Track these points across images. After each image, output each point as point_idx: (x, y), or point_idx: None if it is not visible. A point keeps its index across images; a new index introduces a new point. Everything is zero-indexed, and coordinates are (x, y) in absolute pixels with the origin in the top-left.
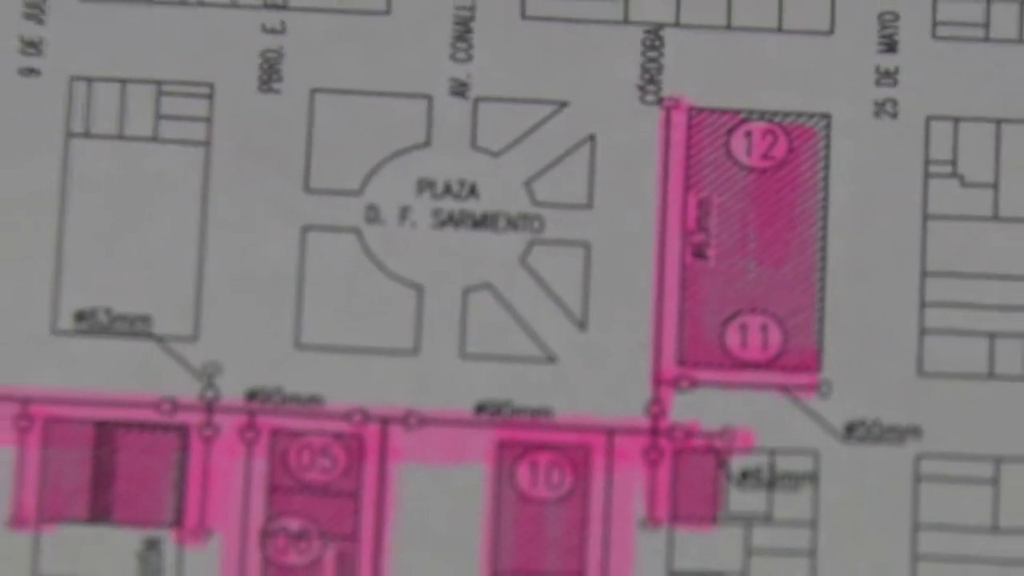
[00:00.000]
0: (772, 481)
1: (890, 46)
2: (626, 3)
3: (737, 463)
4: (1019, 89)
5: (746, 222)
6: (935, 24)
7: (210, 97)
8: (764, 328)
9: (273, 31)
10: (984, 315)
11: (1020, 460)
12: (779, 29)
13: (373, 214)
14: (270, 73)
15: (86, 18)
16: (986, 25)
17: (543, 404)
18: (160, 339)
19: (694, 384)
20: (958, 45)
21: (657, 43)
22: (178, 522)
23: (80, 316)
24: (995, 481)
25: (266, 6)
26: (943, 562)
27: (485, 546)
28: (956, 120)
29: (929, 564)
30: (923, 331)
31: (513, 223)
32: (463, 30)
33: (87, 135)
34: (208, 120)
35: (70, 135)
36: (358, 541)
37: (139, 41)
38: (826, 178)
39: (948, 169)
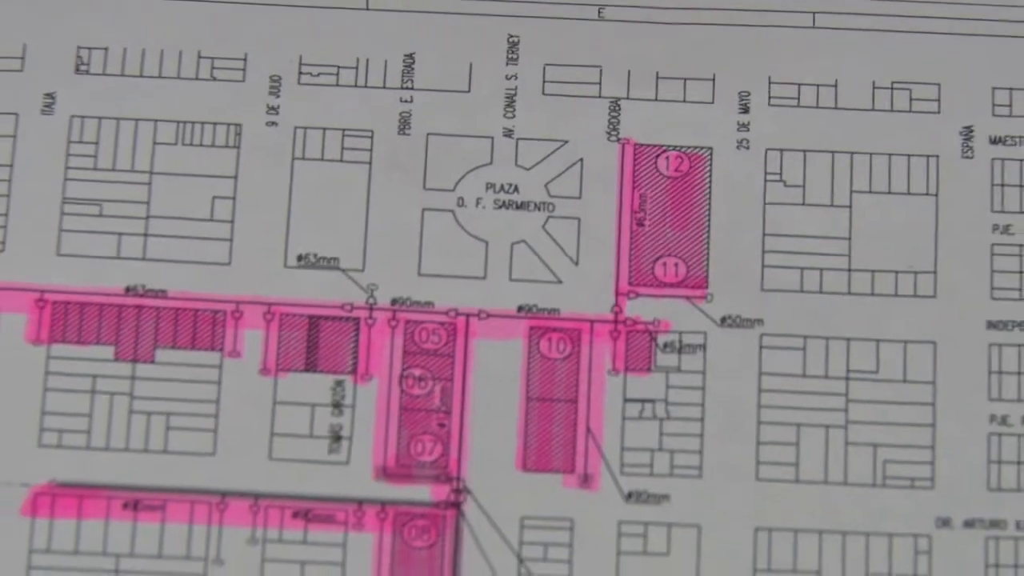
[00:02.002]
0: (680, 348)
1: (745, 109)
2: (600, 86)
3: (661, 338)
4: (817, 132)
5: (666, 206)
6: (770, 98)
7: (371, 137)
8: (676, 265)
9: (406, 101)
10: (797, 257)
11: (820, 337)
12: (684, 101)
13: (461, 202)
14: (404, 125)
15: (302, 93)
16: (798, 98)
17: (554, 306)
18: (344, 271)
19: (638, 295)
20: (783, 109)
21: (617, 108)
22: (354, 370)
23: (300, 257)
24: (804, 348)
25: (402, 87)
26: (775, 392)
27: (523, 384)
28: (781, 151)
29: (769, 394)
30: (764, 266)
31: (538, 207)
32: (510, 101)
33: (304, 159)
34: (370, 150)
35: (294, 158)
36: (452, 381)
37: (333, 107)
38: (710, 182)
39: (777, 177)
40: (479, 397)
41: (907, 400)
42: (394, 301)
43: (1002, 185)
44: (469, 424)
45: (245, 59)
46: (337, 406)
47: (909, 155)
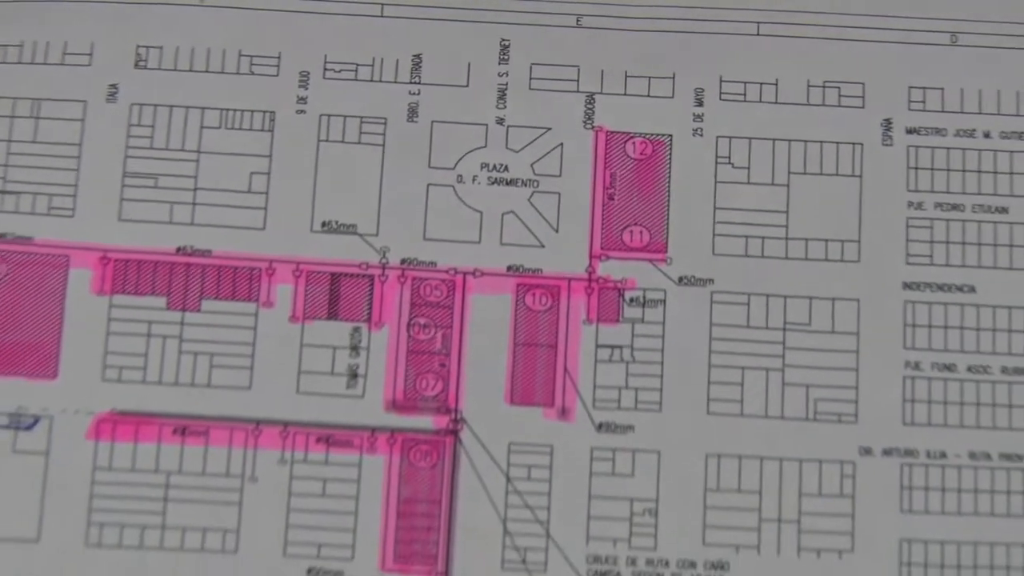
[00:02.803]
0: (644, 303)
1: (700, 103)
2: (578, 82)
3: (628, 294)
4: (760, 122)
5: (632, 183)
6: (720, 94)
7: (384, 124)
8: (641, 232)
9: (414, 93)
10: (743, 227)
11: (762, 295)
12: (648, 95)
13: (460, 178)
14: (412, 114)
15: (326, 86)
16: (744, 94)
17: (538, 266)
18: (361, 235)
19: (608, 258)
20: (732, 103)
21: (592, 101)
22: (369, 319)
23: (323, 224)
24: (748, 304)
25: (410, 82)
26: (723, 341)
27: (511, 331)
28: (730, 138)
29: (718, 342)
30: (715, 234)
31: (525, 183)
32: (502, 94)
33: (327, 141)
34: (383, 135)
35: (319, 141)
36: (452, 328)
37: (352, 98)
38: (670, 164)
39: (726, 159)
40: (474, 342)
41: (835, 348)
42: (403, 261)
43: (916, 168)
44: (465, 365)
45: (279, 57)
46: (354, 349)
47: (838, 143)
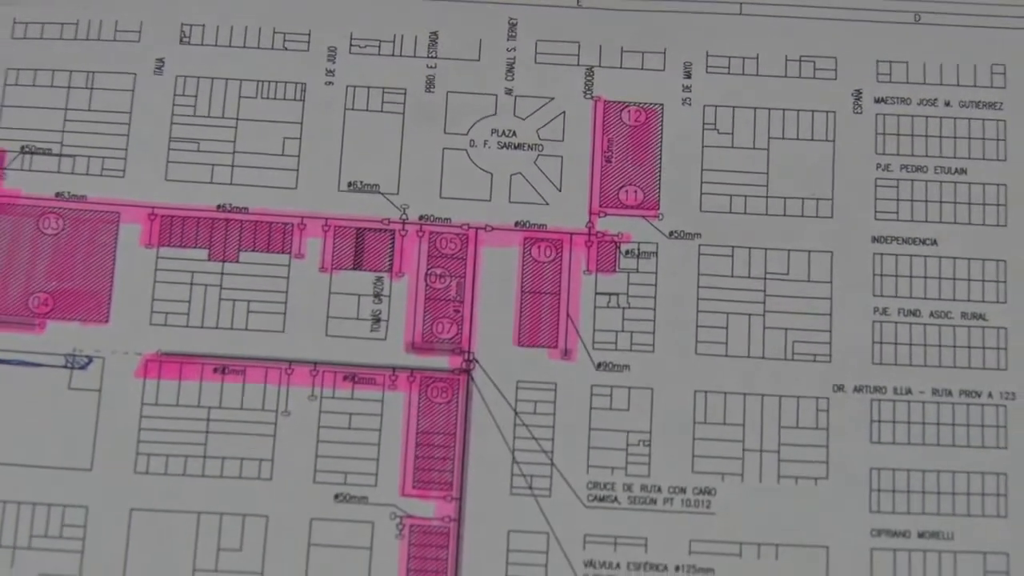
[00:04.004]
0: (638, 254)
1: (688, 76)
2: (578, 57)
3: (624, 247)
4: (743, 93)
5: (627, 148)
6: (707, 67)
7: (405, 94)
8: (635, 192)
9: (431, 67)
10: (727, 187)
11: (744, 247)
12: (642, 68)
13: (473, 143)
14: (429, 85)
15: (352, 60)
16: (728, 68)
17: (543, 222)
18: (383, 194)
19: (606, 214)
20: (717, 76)
21: (591, 74)
22: (390, 269)
23: (350, 183)
24: (732, 256)
25: (428, 57)
26: (710, 288)
27: (518, 280)
28: (716, 107)
29: (705, 289)
30: (702, 193)
31: (531, 147)
32: (510, 67)
33: (353, 109)
34: (403, 104)
35: (346, 109)
36: (464, 277)
37: (375, 71)
38: (661, 130)
39: (712, 125)
40: (485, 290)
41: (810, 295)
42: (421, 217)
43: (883, 134)
44: (477, 310)
45: (309, 34)
46: (377, 296)
47: (813, 111)
